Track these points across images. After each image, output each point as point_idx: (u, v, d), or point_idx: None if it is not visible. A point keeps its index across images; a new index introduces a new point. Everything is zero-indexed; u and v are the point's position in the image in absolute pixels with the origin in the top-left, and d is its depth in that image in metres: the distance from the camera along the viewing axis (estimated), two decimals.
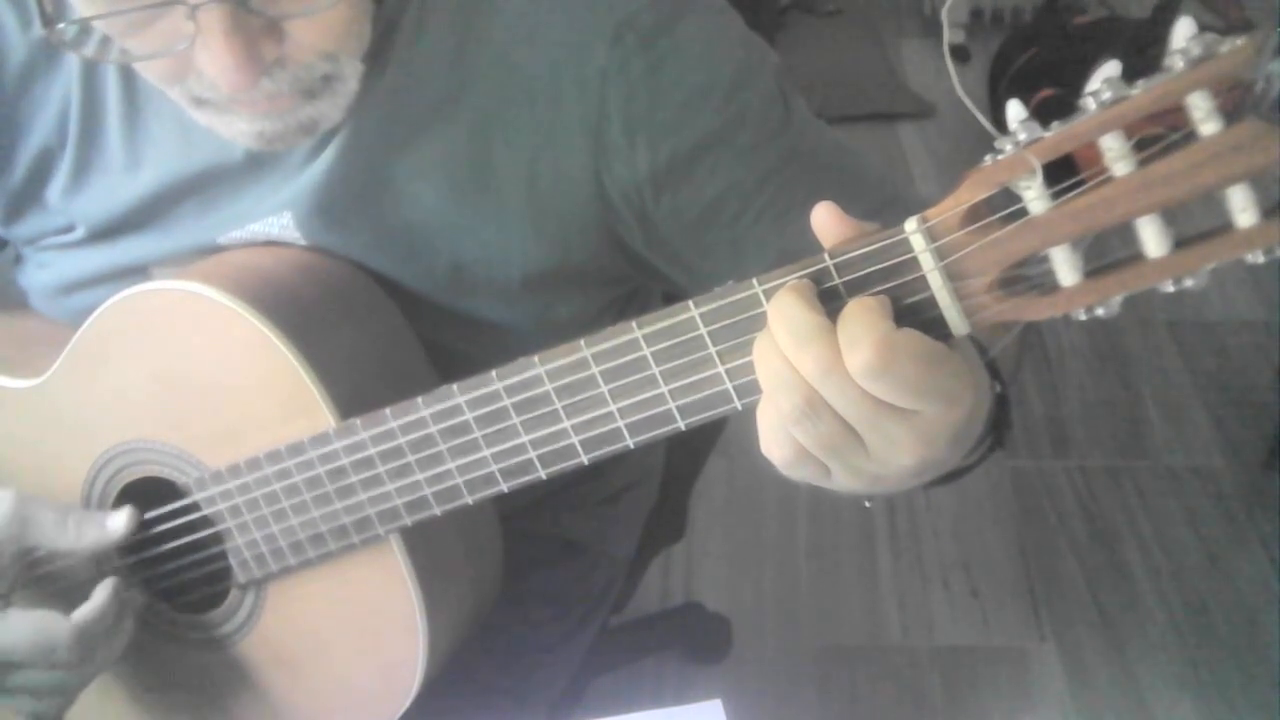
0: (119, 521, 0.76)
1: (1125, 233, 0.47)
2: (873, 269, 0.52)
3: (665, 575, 1.86)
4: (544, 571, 1.00)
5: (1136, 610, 1.80)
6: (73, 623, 0.73)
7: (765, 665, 1.74)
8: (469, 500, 0.68)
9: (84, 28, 0.63)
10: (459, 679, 0.87)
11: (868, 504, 0.60)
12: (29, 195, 0.84)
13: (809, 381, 0.50)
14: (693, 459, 1.27)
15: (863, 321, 0.50)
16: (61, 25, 0.63)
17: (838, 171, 0.76)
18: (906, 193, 0.78)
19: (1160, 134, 0.45)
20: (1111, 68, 0.47)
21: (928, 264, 0.50)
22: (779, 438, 0.53)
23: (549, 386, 0.61)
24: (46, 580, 0.79)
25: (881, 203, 0.76)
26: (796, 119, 0.75)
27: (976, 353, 0.59)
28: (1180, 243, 0.46)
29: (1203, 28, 0.45)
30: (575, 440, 0.62)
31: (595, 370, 0.60)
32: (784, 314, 0.51)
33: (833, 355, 0.50)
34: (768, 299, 0.54)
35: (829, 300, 0.52)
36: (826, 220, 0.53)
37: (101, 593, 0.76)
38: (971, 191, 0.49)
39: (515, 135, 0.73)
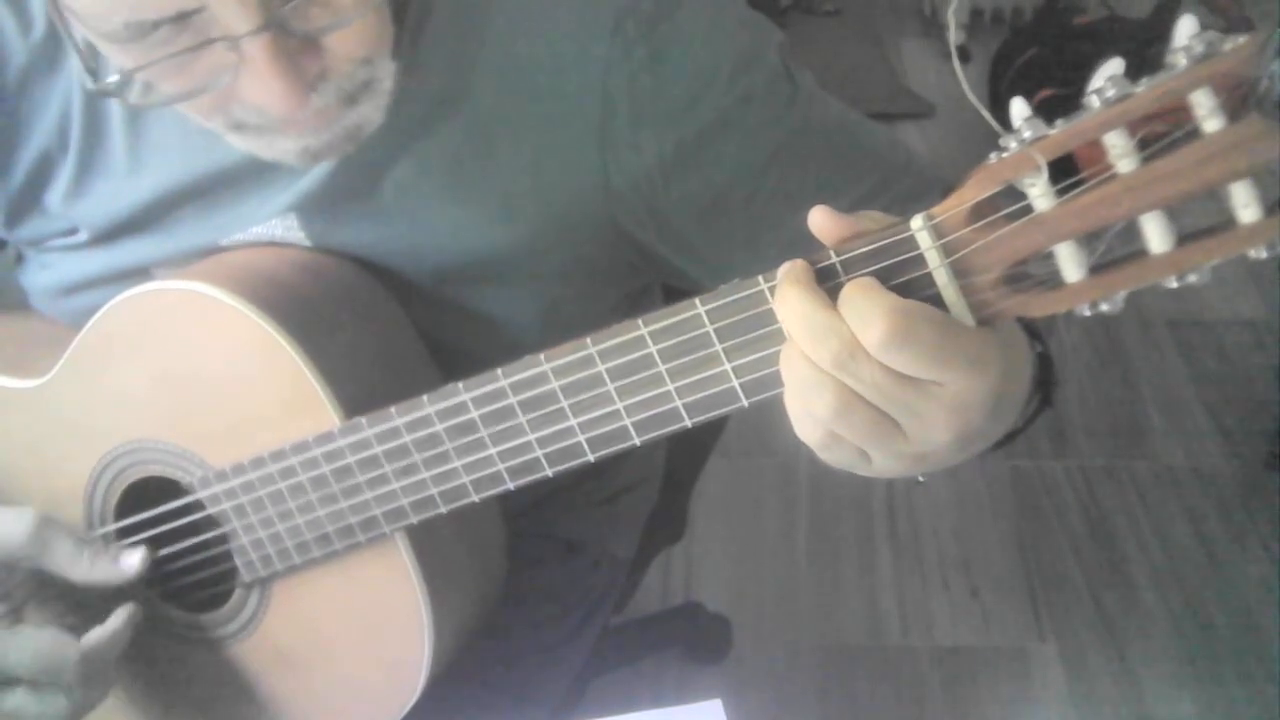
0: (132, 561, 0.76)
1: (1129, 229, 0.47)
2: (878, 266, 0.52)
3: (665, 575, 1.87)
4: (545, 572, 1.00)
5: (1136, 610, 1.80)
6: (82, 647, 0.73)
7: (765, 665, 1.75)
8: (475, 499, 0.68)
9: (125, 77, 0.62)
10: (461, 678, 0.87)
11: (921, 479, 0.60)
12: (28, 199, 0.84)
13: (833, 374, 0.51)
14: (693, 459, 1.27)
15: (867, 298, 0.50)
16: (112, 80, 0.62)
17: (848, 143, 0.76)
18: (914, 162, 0.78)
19: (1164, 131, 0.46)
20: (1115, 65, 0.47)
21: (933, 261, 0.51)
22: (814, 428, 0.54)
23: (555, 384, 0.61)
24: (59, 594, 0.78)
25: (895, 170, 0.76)
26: (802, 94, 0.74)
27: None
28: (1183, 239, 0.46)
29: (1203, 27, 0.45)
30: (582, 439, 0.62)
31: (601, 368, 0.60)
32: (795, 314, 0.52)
33: (851, 341, 0.50)
34: (773, 296, 0.54)
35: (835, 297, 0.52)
36: (823, 224, 0.53)
37: (117, 619, 0.76)
38: (977, 189, 0.49)
39: (519, 129, 0.73)
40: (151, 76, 0.63)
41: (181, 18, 0.58)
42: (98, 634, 0.74)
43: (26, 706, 0.73)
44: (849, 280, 0.52)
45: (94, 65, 0.63)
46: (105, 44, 0.62)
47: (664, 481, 1.16)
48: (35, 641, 0.73)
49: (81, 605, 0.78)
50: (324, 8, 0.61)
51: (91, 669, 0.74)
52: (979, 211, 0.49)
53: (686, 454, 1.24)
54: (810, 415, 0.53)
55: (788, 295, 0.52)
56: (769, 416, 0.56)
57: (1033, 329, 0.61)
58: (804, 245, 0.54)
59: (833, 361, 0.50)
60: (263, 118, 0.64)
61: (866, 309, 0.50)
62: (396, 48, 0.70)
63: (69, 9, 0.61)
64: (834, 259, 0.53)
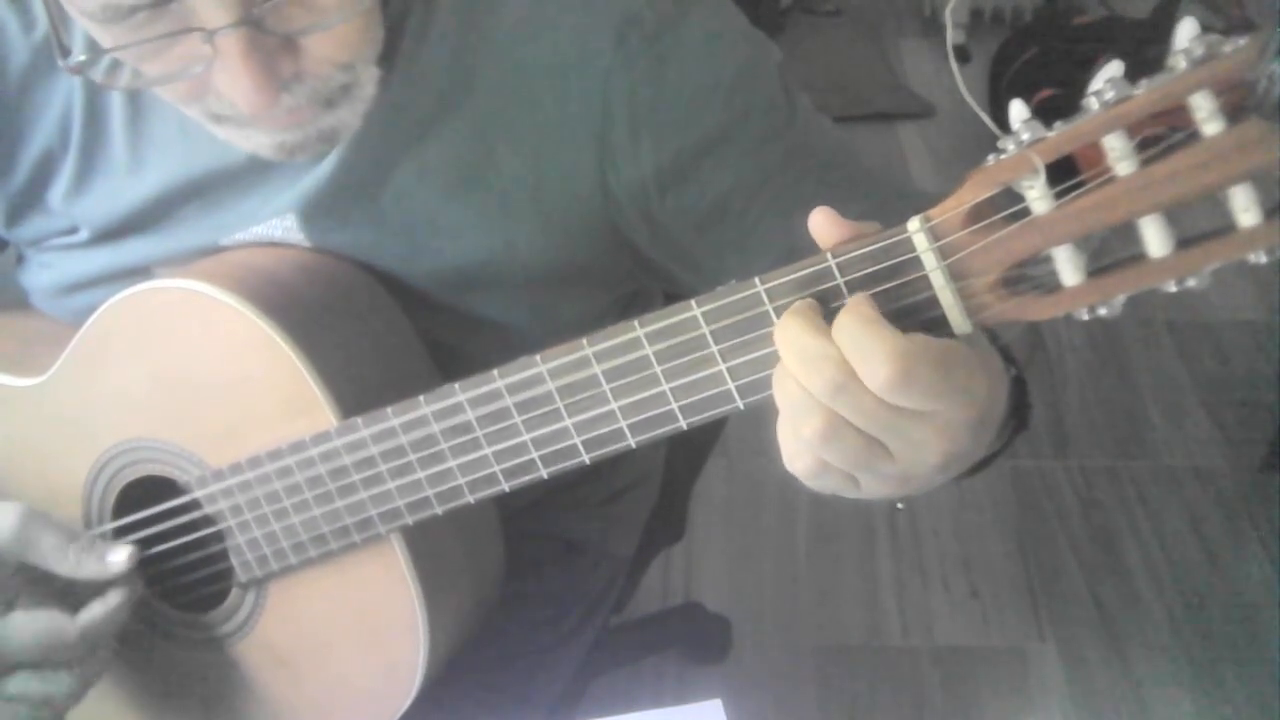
0: (119, 558, 0.75)
1: (1128, 233, 0.47)
2: (875, 268, 0.52)
3: (665, 575, 1.86)
4: (544, 572, 0.99)
5: (1136, 610, 1.80)
6: (78, 624, 0.73)
7: (765, 665, 1.74)
8: (470, 499, 0.68)
9: (93, 56, 0.63)
10: (459, 679, 0.87)
11: (900, 506, 0.60)
12: (30, 198, 0.84)
13: (824, 403, 0.51)
14: (693, 459, 1.27)
15: (869, 334, 0.49)
16: (82, 58, 0.63)
17: (841, 168, 0.76)
18: (908, 189, 0.78)
19: (1163, 134, 0.45)
20: (1114, 67, 0.47)
21: (930, 263, 0.50)
22: (803, 456, 0.54)
23: (551, 385, 0.61)
24: (50, 585, 0.78)
25: (885, 199, 0.76)
26: (800, 116, 0.75)
27: (987, 339, 0.58)
28: (1183, 243, 0.46)
29: (1203, 28, 0.45)
30: (577, 440, 0.62)
31: (597, 369, 0.60)
32: (789, 339, 0.52)
33: (844, 373, 0.50)
34: (769, 298, 0.54)
35: (831, 300, 0.52)
36: (823, 224, 0.53)
37: (115, 595, 0.75)
38: (974, 191, 0.49)
39: (519, 135, 0.73)
40: (128, 58, 0.63)
41: (159, 4, 0.59)
42: (94, 609, 0.74)
43: (30, 688, 0.73)
44: (846, 286, 0.52)
45: (66, 43, 0.64)
46: (87, 22, 0.62)
47: (663, 481, 1.16)
48: (33, 624, 0.73)
49: (72, 596, 0.78)
50: (305, 9, 0.61)
51: (90, 645, 0.74)
52: (977, 213, 0.49)
53: (686, 454, 1.24)
54: (799, 439, 0.53)
55: (784, 322, 0.52)
56: (769, 417, 0.56)
57: (1007, 353, 0.61)
58: (798, 257, 0.54)
59: (825, 390, 0.50)
60: (236, 111, 0.65)
61: (870, 348, 0.49)
62: (387, 55, 0.70)
63: None
64: (830, 261, 0.52)
